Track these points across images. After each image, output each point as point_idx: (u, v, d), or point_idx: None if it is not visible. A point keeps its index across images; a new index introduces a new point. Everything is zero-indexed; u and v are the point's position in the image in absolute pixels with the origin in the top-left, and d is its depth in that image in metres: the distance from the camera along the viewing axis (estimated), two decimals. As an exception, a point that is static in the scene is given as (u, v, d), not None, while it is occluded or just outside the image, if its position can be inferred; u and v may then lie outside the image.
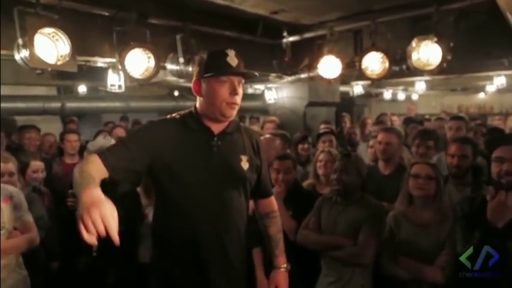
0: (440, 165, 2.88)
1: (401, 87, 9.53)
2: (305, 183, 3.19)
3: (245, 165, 1.78)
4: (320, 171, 3.10)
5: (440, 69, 3.85)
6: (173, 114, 1.78)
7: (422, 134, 3.47)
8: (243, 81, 1.71)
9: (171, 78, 4.69)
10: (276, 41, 5.34)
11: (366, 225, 2.37)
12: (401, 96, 10.35)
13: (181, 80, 4.58)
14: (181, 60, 4.19)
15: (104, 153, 1.57)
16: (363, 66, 4.33)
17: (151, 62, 3.80)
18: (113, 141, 2.83)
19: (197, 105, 1.77)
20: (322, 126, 5.13)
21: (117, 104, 6.34)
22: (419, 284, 2.24)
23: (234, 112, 1.71)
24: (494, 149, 1.98)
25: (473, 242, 1.86)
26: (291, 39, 5.21)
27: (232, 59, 1.66)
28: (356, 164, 2.54)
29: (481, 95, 11.18)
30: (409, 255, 2.27)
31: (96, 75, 5.46)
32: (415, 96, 10.73)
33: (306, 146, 4.14)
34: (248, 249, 2.78)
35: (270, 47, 5.49)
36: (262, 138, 3.36)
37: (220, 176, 1.72)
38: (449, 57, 3.75)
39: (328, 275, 2.49)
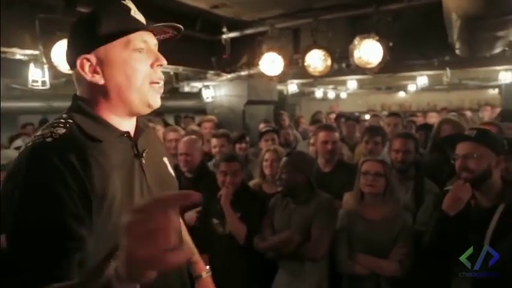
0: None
1: (331, 86, 9.86)
2: (251, 183, 3.11)
3: (170, 169, 1.32)
4: (267, 171, 3.06)
5: (380, 68, 3.95)
6: (46, 132, 1.00)
7: (371, 130, 3.53)
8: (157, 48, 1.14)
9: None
10: (215, 37, 5.15)
11: (317, 220, 2.37)
12: (331, 94, 10.72)
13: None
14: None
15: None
16: (306, 64, 4.33)
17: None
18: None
19: (84, 96, 1.10)
20: (262, 125, 5.06)
21: (36, 104, 5.72)
22: (375, 279, 2.26)
23: (159, 99, 1.12)
24: (453, 146, 2.03)
25: (430, 229, 2.00)
26: (231, 35, 5.06)
27: (138, 13, 1.09)
28: (301, 163, 2.52)
29: (401, 94, 12.00)
30: (364, 251, 2.29)
31: (9, 70, 4.84)
32: (343, 95, 11.19)
33: (243, 145, 4.07)
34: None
35: (209, 43, 5.29)
36: (185, 139, 3.25)
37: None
38: (388, 56, 3.86)
39: (284, 274, 2.46)
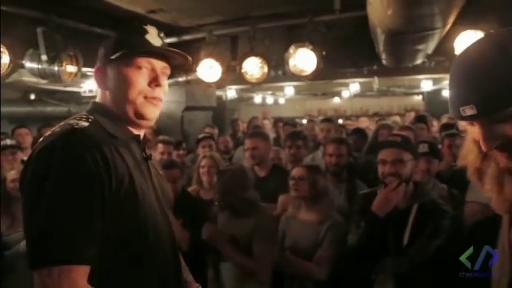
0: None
1: (270, 92, 10.05)
2: (188, 190, 3.08)
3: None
4: (204, 178, 3.07)
5: (314, 75, 4.12)
6: (73, 122, 1.11)
7: (292, 135, 3.67)
8: (168, 71, 1.24)
9: (29, 79, 4.07)
10: (151, 42, 5.05)
11: (258, 237, 2.30)
12: (270, 100, 10.93)
13: (43, 81, 4.00)
14: (43, 57, 3.64)
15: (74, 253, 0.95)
16: (243, 71, 4.40)
17: (5, 58, 3.23)
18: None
19: (102, 101, 1.23)
20: (206, 130, 5.06)
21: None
22: (300, 280, 2.34)
23: (156, 112, 1.22)
24: (378, 152, 2.17)
25: (360, 231, 2.07)
26: (168, 40, 4.99)
27: (154, 37, 1.20)
28: (232, 182, 2.43)
29: (336, 100, 12.54)
30: (292, 251, 2.38)
31: None
32: (282, 101, 11.46)
33: (181, 152, 4.06)
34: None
35: (146, 48, 5.18)
36: None
37: (163, 201, 1.27)
38: (322, 65, 4.03)
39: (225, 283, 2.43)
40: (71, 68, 3.83)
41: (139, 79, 1.17)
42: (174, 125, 5.81)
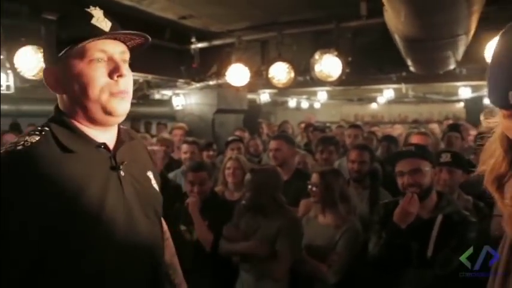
0: (341, 170, 3.07)
1: (305, 96, 10.05)
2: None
3: (155, 183, 1.25)
4: (229, 179, 3.13)
5: (340, 81, 4.13)
6: (20, 140, 0.99)
7: (324, 140, 3.68)
8: (127, 56, 1.08)
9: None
10: (184, 47, 5.25)
11: (282, 238, 2.35)
12: (304, 104, 10.92)
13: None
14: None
15: None
16: (270, 75, 4.47)
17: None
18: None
19: (61, 107, 1.08)
20: (236, 133, 5.17)
21: (5, 107, 5.68)
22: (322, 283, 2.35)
23: (126, 106, 1.07)
24: (395, 164, 2.14)
25: (382, 242, 2.04)
26: (200, 45, 5.17)
27: (102, 20, 1.03)
28: (264, 182, 2.49)
29: (374, 105, 12.31)
30: (309, 252, 2.40)
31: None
32: (317, 105, 11.41)
33: (210, 153, 4.16)
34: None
35: (178, 53, 5.39)
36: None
37: (139, 215, 1.11)
38: (347, 70, 4.03)
39: (243, 283, 2.48)
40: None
41: (97, 73, 1.01)
42: (205, 127, 5.99)
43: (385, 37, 4.05)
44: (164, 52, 5.08)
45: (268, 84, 4.84)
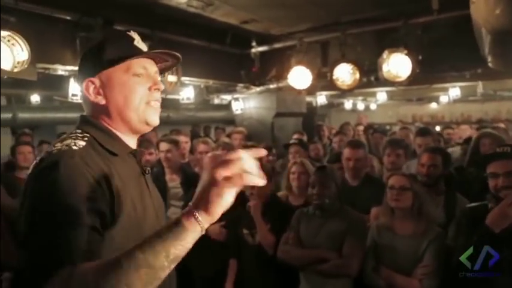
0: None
1: (361, 98, 9.79)
2: (278, 195, 3.13)
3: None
4: (294, 183, 3.07)
5: (409, 81, 3.94)
6: (69, 142, 1.06)
7: (392, 143, 3.52)
8: (158, 76, 1.24)
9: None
10: (244, 51, 5.28)
11: (350, 236, 2.37)
12: (360, 106, 10.64)
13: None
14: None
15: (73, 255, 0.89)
16: (334, 77, 4.37)
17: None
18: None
19: (94, 115, 1.18)
20: (295, 136, 5.11)
21: (74, 115, 5.95)
22: None
23: (158, 117, 1.22)
24: (486, 165, 2.04)
25: (472, 246, 1.93)
26: (260, 49, 5.17)
27: (141, 43, 1.20)
28: (332, 176, 2.54)
29: (433, 105, 11.75)
30: (389, 265, 2.28)
31: (50, 83, 5.12)
32: (373, 106, 11.07)
33: (270, 157, 4.12)
34: (225, 260, 2.77)
35: (238, 57, 5.42)
36: (210, 154, 3.22)
37: (160, 216, 1.24)
38: (418, 69, 3.84)
39: (307, 286, 2.45)
40: (171, 78, 4.16)
41: (139, 85, 1.15)
42: (264, 130, 5.97)
43: (458, 32, 3.82)
44: (225, 57, 5.13)
45: (329, 86, 4.73)
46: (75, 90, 3.85)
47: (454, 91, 7.22)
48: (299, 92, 4.86)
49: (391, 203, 2.37)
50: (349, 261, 2.33)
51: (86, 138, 1.09)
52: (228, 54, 5.16)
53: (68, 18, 3.52)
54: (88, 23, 3.50)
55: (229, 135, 5.41)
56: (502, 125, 6.91)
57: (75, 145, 1.05)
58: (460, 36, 3.90)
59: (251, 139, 4.93)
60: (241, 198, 2.84)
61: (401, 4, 3.90)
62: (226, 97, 6.39)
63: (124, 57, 1.13)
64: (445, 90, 7.74)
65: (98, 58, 1.15)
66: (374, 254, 2.37)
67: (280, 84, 5.30)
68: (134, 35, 1.19)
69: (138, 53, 1.15)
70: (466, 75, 4.82)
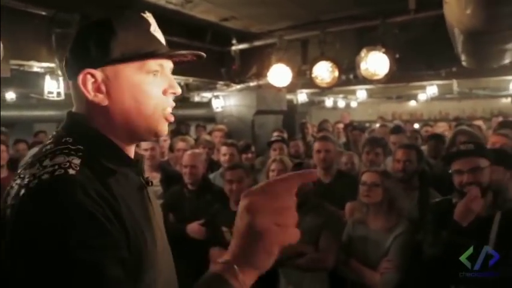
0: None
1: (341, 95, 9.88)
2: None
3: None
4: (273, 181, 3.09)
5: (387, 79, 4.00)
6: (61, 161, 0.79)
7: (371, 141, 3.57)
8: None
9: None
10: (224, 49, 5.26)
11: (326, 231, 2.41)
12: (341, 103, 10.74)
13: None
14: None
15: None
16: (313, 75, 4.39)
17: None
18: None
19: (88, 115, 0.91)
20: (275, 134, 5.12)
21: (52, 113, 5.89)
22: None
23: (167, 127, 0.98)
24: (451, 162, 2.11)
25: (441, 241, 2.00)
26: (240, 47, 5.16)
27: (157, 30, 0.94)
28: None
29: (412, 103, 11.96)
30: (360, 258, 2.35)
31: (26, 80, 5.01)
32: (354, 104, 11.20)
33: (249, 155, 4.14)
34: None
35: (219, 55, 5.40)
36: (189, 152, 3.23)
37: (162, 231, 1.02)
38: (395, 68, 3.90)
39: (287, 283, 2.48)
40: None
41: (154, 88, 0.91)
42: (245, 128, 5.98)
43: (435, 31, 3.90)
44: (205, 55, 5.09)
45: (310, 84, 4.76)
46: (51, 87, 3.77)
47: (432, 89, 7.37)
48: (279, 89, 4.89)
49: (363, 199, 2.43)
50: (326, 255, 2.37)
51: (80, 153, 0.83)
52: (208, 51, 5.02)
53: (44, 13, 3.44)
54: (64, 19, 3.43)
55: (210, 133, 5.40)
56: (478, 123, 7.10)
57: (70, 167, 0.78)
58: (436, 35, 3.97)
59: (231, 137, 4.92)
60: (216, 198, 2.85)
61: (380, 3, 3.95)
62: (207, 95, 6.36)
63: (144, 55, 0.87)
64: (423, 88, 7.89)
65: (105, 46, 0.86)
66: (346, 247, 2.44)
67: (261, 82, 5.31)
68: (150, 18, 0.92)
69: (160, 49, 0.90)
70: (441, 74, 4.92)
